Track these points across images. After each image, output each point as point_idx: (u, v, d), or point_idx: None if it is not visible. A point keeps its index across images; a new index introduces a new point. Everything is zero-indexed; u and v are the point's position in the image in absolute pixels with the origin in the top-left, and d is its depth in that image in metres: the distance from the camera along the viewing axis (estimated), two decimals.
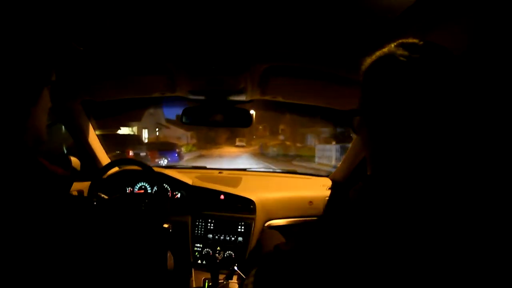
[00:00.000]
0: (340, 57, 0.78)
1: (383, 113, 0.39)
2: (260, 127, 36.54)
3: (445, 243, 0.32)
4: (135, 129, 18.30)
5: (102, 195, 1.12)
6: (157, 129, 21.23)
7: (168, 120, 25.69)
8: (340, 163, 1.47)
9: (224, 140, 35.87)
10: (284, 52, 0.78)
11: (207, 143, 31.05)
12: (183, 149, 19.26)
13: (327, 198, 1.41)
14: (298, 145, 19.12)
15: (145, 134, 19.12)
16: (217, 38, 0.72)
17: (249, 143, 34.60)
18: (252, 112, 1.11)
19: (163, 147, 12.46)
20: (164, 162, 10.21)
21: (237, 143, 34.40)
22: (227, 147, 32.80)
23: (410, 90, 0.37)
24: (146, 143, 15.29)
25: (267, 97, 1.17)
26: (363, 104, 0.42)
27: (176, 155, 12.53)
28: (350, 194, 0.40)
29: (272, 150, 21.26)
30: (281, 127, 25.04)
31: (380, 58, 0.42)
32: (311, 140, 17.73)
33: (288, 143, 23.27)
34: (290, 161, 14.43)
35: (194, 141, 30.98)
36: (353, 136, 1.26)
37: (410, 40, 0.42)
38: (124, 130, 15.15)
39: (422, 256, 0.32)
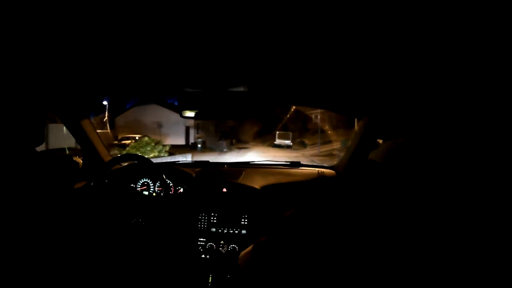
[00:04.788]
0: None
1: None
2: (316, 113, 21.79)
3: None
4: None
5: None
6: None
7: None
8: (343, 154, 1.61)
9: (253, 136, 22.32)
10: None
11: (223, 138, 18.64)
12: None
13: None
14: None
15: None
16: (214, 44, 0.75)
17: (295, 142, 20.80)
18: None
19: None
20: None
21: (278, 141, 20.75)
22: (258, 148, 19.88)
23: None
24: None
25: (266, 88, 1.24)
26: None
27: None
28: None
29: None
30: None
31: None
32: None
33: (380, 141, 8.61)
34: None
35: (201, 134, 18.80)
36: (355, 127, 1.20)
37: None
38: None
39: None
